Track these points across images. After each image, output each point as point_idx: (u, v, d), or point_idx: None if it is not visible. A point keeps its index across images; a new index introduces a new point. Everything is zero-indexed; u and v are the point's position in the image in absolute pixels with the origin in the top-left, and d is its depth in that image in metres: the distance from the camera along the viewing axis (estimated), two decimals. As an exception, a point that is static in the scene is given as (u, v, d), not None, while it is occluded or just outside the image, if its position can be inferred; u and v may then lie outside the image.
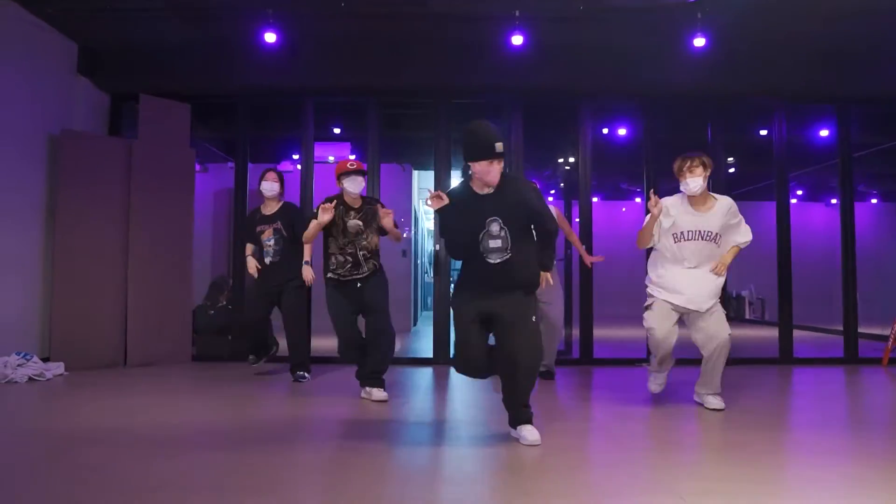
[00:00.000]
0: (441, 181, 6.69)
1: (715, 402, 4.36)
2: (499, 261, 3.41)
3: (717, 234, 4.18)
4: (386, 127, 8.31)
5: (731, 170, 10.74)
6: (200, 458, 3.19)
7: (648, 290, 4.42)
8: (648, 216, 4.30)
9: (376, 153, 6.79)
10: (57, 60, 6.24)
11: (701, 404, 4.47)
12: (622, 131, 8.12)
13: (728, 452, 3.38)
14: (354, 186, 4.64)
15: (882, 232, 12.16)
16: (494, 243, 3.41)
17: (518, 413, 3.54)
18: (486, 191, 3.44)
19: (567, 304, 7.44)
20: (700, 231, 4.16)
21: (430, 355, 6.70)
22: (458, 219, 3.48)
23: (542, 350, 3.69)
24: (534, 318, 3.50)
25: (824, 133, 8.31)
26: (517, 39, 5.61)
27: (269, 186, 5.50)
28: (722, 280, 4.29)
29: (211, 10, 5.75)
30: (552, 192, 11.70)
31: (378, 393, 4.67)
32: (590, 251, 6.33)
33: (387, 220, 4.64)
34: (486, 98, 6.93)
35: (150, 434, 3.66)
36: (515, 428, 3.55)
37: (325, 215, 4.51)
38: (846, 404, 5.05)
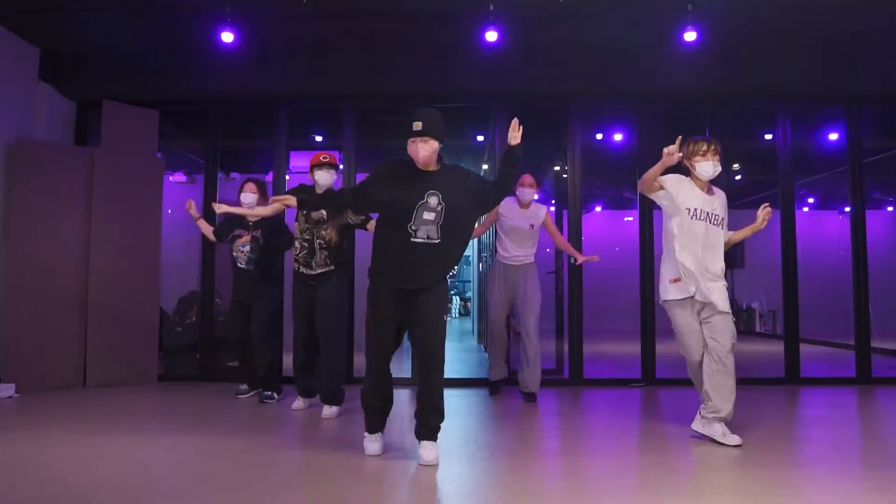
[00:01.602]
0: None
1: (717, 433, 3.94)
2: (424, 240, 3.39)
3: (721, 216, 4.03)
4: (367, 136, 8.00)
5: (738, 177, 10.28)
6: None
7: (666, 301, 4.09)
8: (659, 163, 3.94)
9: (353, 159, 6.45)
10: (16, 66, 5.94)
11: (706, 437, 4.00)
12: (618, 136, 7.68)
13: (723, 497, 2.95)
14: (325, 179, 4.76)
15: (897, 241, 11.61)
16: (428, 216, 3.39)
17: (425, 423, 3.53)
18: (427, 169, 3.48)
19: (558, 320, 7.03)
20: (709, 213, 3.98)
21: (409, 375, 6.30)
22: (396, 186, 3.46)
23: (442, 355, 3.54)
24: (445, 315, 3.50)
25: (833, 137, 7.82)
26: (491, 35, 5.23)
27: (247, 198, 5.34)
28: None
29: (170, 13, 5.43)
30: (553, 202, 11.27)
31: (327, 410, 4.72)
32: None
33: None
34: (469, 102, 6.55)
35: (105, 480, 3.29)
36: (419, 441, 3.53)
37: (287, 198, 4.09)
38: (859, 432, 4.58)
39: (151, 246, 6.29)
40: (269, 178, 8.42)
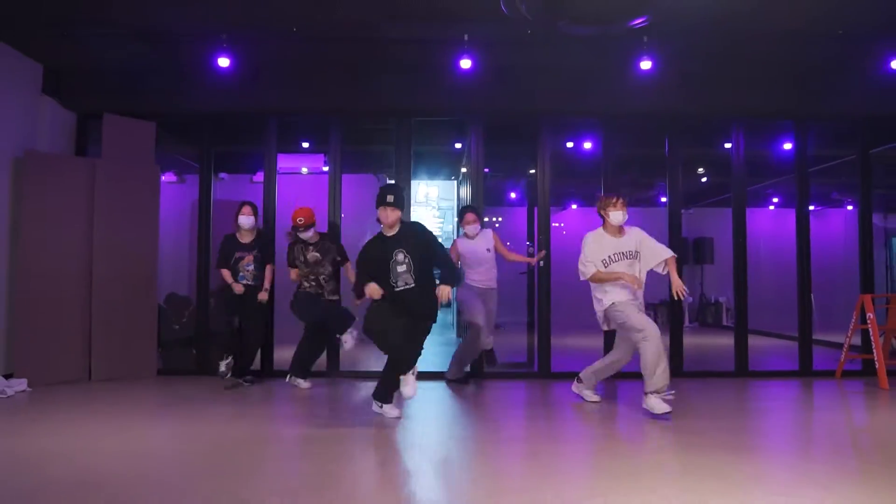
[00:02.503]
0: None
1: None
2: (404, 287, 4.62)
3: (634, 251, 5.10)
4: (359, 141, 8.44)
5: (704, 179, 10.87)
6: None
7: (605, 307, 5.06)
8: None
9: (338, 170, 6.91)
10: (22, 81, 6.34)
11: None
12: (587, 144, 8.22)
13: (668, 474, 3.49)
14: (307, 235, 6.06)
15: (852, 238, 12.23)
16: (401, 268, 4.62)
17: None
18: (391, 233, 4.70)
19: (529, 316, 7.57)
20: (622, 252, 5.09)
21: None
22: (373, 255, 4.71)
23: (409, 355, 4.71)
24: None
25: (788, 146, 8.40)
26: (465, 63, 5.73)
27: (247, 220, 6.16)
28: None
29: (168, 35, 5.85)
30: (527, 202, 11.80)
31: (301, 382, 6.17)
32: (549, 257, 6.69)
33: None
34: (447, 116, 7.05)
35: (117, 463, 3.77)
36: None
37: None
38: (798, 421, 5.16)
39: (149, 249, 6.73)
40: (257, 177, 8.91)
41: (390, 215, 4.66)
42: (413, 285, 4.62)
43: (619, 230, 5.13)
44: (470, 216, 6.16)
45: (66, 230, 6.30)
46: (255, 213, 6.21)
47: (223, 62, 5.69)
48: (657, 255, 5.07)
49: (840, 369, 6.69)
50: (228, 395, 5.76)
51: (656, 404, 4.74)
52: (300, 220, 5.90)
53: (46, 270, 6.15)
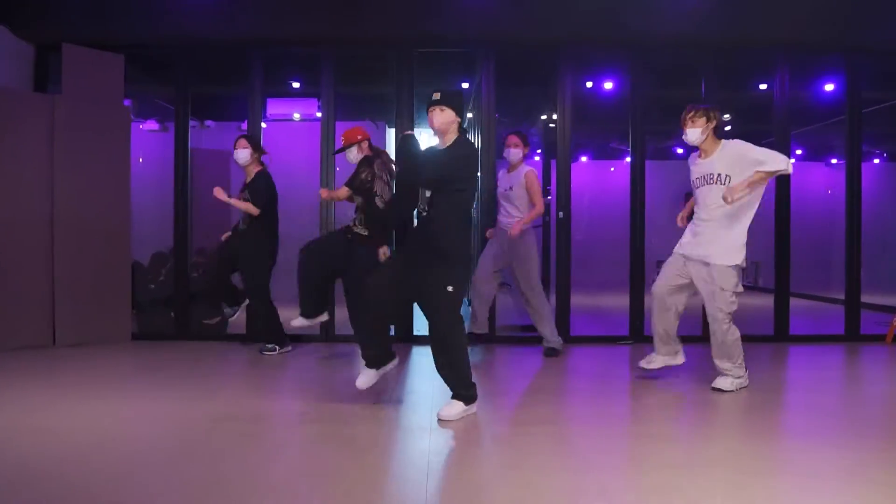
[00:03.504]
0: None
1: (718, 381, 4.28)
2: (423, 214, 3.62)
3: (720, 174, 4.12)
4: (355, 82, 7.63)
5: (728, 127, 10.06)
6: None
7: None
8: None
9: (331, 109, 6.12)
10: (-34, 4, 5.52)
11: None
12: (608, 85, 7.40)
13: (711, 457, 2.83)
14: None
15: (886, 195, 11.51)
16: (424, 194, 3.62)
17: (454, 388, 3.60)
18: (439, 145, 3.66)
19: (545, 274, 6.88)
20: (704, 176, 4.20)
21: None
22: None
23: (458, 321, 3.57)
24: (449, 287, 3.49)
25: (829, 87, 7.61)
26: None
27: (241, 154, 5.37)
28: (730, 235, 4.13)
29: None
30: (538, 150, 11.01)
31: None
32: (568, 213, 5.94)
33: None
34: (454, 48, 6.22)
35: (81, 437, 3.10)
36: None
37: None
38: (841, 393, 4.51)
39: (120, 198, 5.98)
40: (245, 125, 8.07)
41: (436, 118, 3.58)
42: (426, 213, 3.61)
43: (709, 149, 4.20)
44: (512, 138, 5.30)
45: (23, 176, 5.53)
46: (254, 145, 5.41)
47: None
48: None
49: (891, 333, 6.02)
50: (210, 362, 5.10)
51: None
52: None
53: (1, 218, 5.40)
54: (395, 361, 3.77)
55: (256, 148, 5.46)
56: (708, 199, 4.16)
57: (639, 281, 6.16)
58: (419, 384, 4.53)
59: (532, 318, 5.43)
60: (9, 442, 3.13)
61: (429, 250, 3.53)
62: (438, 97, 3.57)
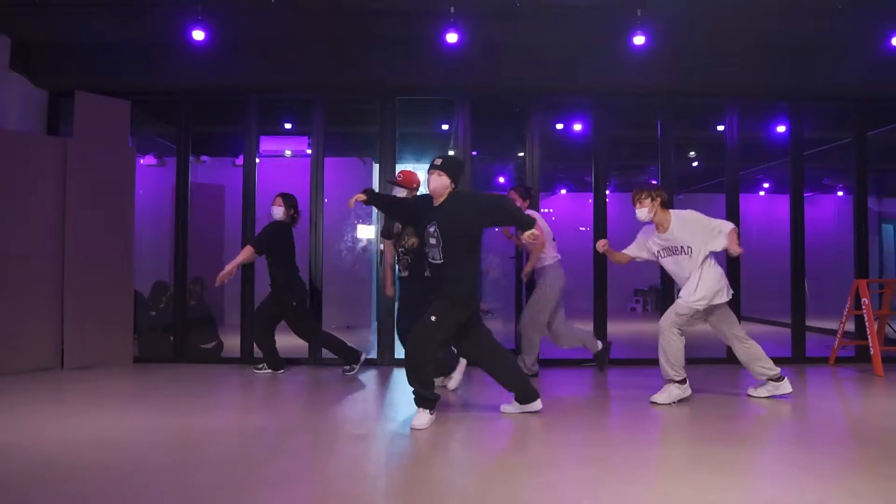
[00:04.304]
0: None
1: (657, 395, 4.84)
2: (433, 262, 4.13)
3: (683, 246, 4.75)
4: (343, 122, 8.18)
5: (695, 164, 10.70)
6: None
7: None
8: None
9: (321, 150, 6.68)
10: (-14, 56, 6.06)
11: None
12: (578, 126, 8.02)
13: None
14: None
15: (846, 224, 12.15)
16: (432, 241, 4.11)
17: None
18: (437, 202, 4.16)
19: (518, 302, 7.38)
20: (669, 248, 4.81)
21: (375, 356, 6.64)
22: (415, 217, 4.31)
23: (423, 345, 4.07)
24: (433, 317, 4.05)
25: (781, 129, 8.26)
26: (452, 37, 5.50)
27: (275, 210, 5.95)
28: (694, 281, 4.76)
29: (142, 6, 5.59)
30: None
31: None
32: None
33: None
34: (434, 95, 6.83)
35: (94, 453, 3.56)
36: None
37: None
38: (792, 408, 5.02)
39: (125, 232, 6.49)
40: (240, 160, 8.66)
41: (433, 181, 4.11)
42: (441, 262, 4.12)
43: (662, 223, 4.80)
44: (510, 193, 5.96)
45: (37, 212, 6.03)
46: (287, 205, 5.92)
47: (198, 35, 5.44)
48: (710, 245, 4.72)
49: (834, 355, 6.57)
50: (209, 383, 5.57)
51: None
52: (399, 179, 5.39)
53: (16, 254, 5.89)
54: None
55: (290, 206, 5.96)
56: (675, 268, 4.84)
57: (602, 308, 6.69)
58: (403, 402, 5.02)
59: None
60: (23, 453, 3.54)
61: (442, 294, 4.11)
62: (439, 163, 4.10)
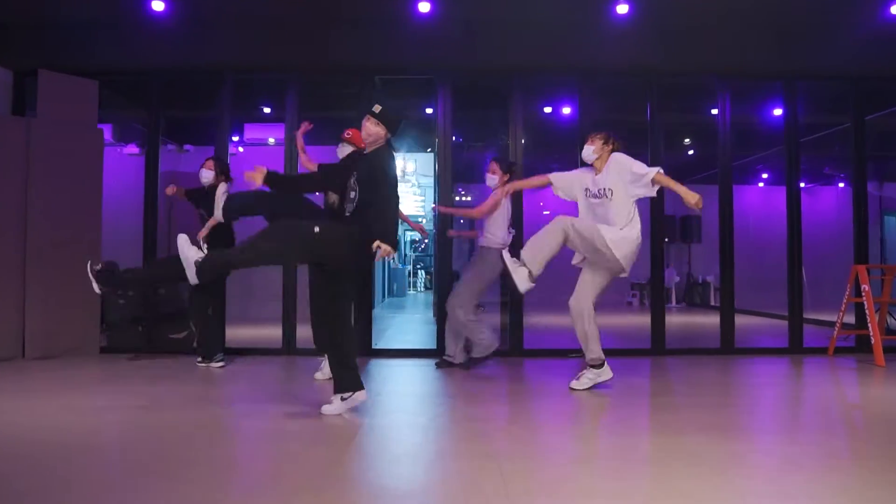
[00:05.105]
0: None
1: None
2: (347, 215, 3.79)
3: (606, 189, 4.52)
4: (324, 107, 7.92)
5: (690, 152, 10.42)
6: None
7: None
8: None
9: (295, 131, 6.39)
10: (-53, 33, 5.81)
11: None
12: (566, 110, 7.74)
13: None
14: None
15: (845, 216, 11.85)
16: (352, 194, 3.77)
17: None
18: (368, 151, 3.87)
19: (504, 295, 7.11)
20: (599, 191, 4.57)
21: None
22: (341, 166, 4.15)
23: (340, 320, 3.79)
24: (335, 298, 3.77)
25: (778, 112, 7.96)
26: (424, 6, 5.23)
27: (204, 174, 5.64)
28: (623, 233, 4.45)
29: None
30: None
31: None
32: (520, 235, 6.04)
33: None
34: (412, 74, 6.54)
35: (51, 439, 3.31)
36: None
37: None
38: (783, 398, 4.74)
39: (91, 218, 6.23)
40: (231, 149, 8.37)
41: (366, 129, 3.80)
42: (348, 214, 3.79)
43: (599, 168, 4.63)
44: (491, 165, 5.56)
45: (-2, 195, 5.80)
46: (219, 170, 5.62)
47: (157, 6, 5.17)
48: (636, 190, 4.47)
49: (832, 345, 6.28)
50: (176, 373, 5.32)
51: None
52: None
53: (-27, 238, 5.65)
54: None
55: (222, 171, 5.67)
56: (599, 210, 4.56)
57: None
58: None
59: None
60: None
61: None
62: (377, 111, 3.80)
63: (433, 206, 6.23)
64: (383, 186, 3.65)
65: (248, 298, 8.85)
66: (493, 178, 5.52)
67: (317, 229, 3.64)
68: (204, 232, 5.41)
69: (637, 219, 4.51)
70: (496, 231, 5.39)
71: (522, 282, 4.44)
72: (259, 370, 5.52)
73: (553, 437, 3.61)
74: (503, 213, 5.39)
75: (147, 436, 3.43)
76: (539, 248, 4.44)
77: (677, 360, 6.00)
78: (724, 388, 5.00)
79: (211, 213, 5.47)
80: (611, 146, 4.61)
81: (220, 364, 5.57)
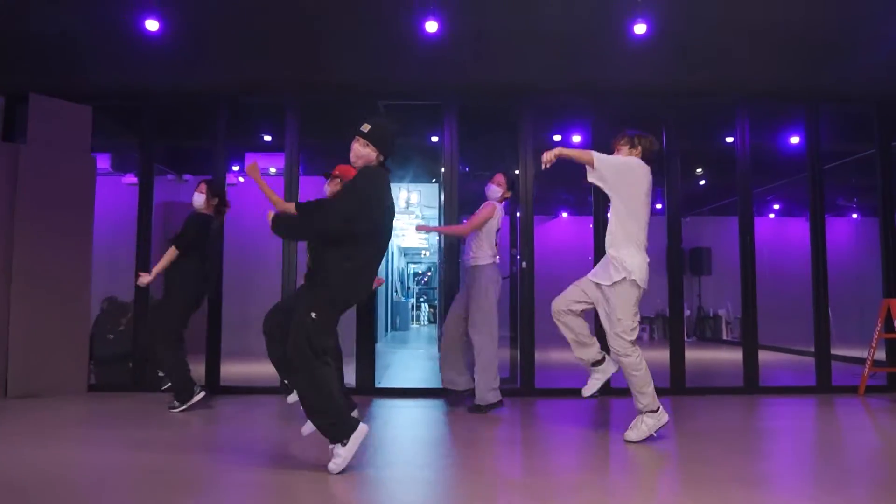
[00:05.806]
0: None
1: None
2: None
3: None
4: (325, 134, 7.70)
5: (702, 182, 10.15)
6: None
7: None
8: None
9: (295, 158, 6.16)
10: (-65, 56, 5.60)
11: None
12: (576, 138, 7.47)
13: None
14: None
15: (862, 249, 11.55)
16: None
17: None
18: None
19: (513, 329, 6.77)
20: None
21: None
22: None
23: (303, 348, 3.22)
24: (313, 314, 3.24)
25: (795, 140, 7.70)
26: (431, 26, 4.98)
27: (195, 197, 5.31)
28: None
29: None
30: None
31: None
32: (532, 267, 5.75)
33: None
34: (418, 99, 6.28)
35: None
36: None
37: None
38: (815, 442, 4.37)
39: (82, 248, 5.94)
40: (230, 179, 8.15)
41: (354, 151, 3.40)
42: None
43: None
44: (498, 176, 5.25)
45: (-19, 224, 5.51)
46: (212, 193, 5.33)
47: (151, 25, 4.94)
48: None
49: (863, 384, 5.92)
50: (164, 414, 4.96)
51: None
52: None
53: (-45, 269, 5.36)
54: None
55: (216, 194, 5.39)
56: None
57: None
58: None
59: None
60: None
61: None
62: (367, 131, 3.39)
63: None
64: (340, 199, 3.29)
65: (247, 331, 8.50)
66: (496, 191, 5.24)
67: (313, 315, 3.25)
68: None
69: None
70: (485, 248, 5.10)
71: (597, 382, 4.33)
72: (255, 413, 5.17)
73: (575, 494, 3.25)
74: (488, 234, 5.11)
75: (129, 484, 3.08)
76: (579, 345, 4.28)
77: (700, 401, 5.62)
78: (757, 433, 4.63)
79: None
80: (638, 149, 4.14)
81: (201, 395, 5.06)
